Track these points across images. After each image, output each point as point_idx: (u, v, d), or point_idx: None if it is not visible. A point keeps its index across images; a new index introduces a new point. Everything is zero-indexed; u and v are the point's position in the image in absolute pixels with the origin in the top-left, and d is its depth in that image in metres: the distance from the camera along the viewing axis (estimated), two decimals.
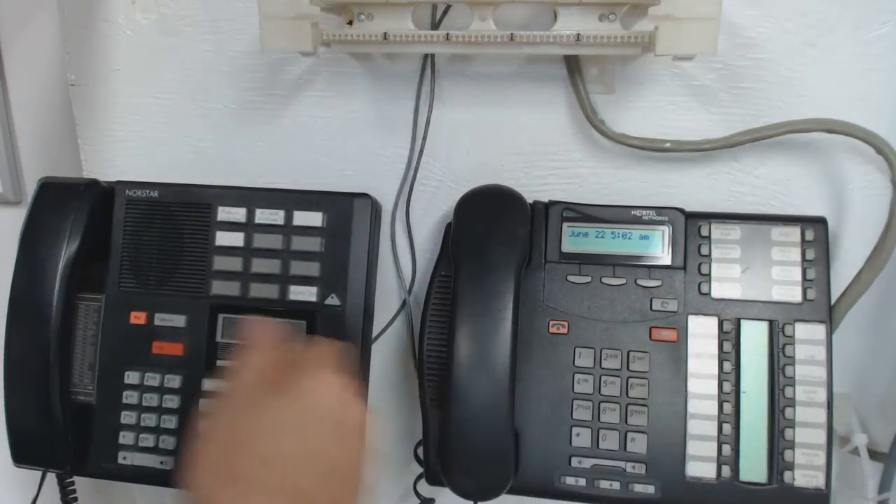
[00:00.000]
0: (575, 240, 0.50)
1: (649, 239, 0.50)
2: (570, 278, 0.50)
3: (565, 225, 0.51)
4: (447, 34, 0.47)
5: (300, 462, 0.36)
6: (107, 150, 0.61)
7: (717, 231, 0.49)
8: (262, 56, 0.57)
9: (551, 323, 0.50)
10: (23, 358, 0.50)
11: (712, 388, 0.48)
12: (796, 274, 0.48)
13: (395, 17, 0.48)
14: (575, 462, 0.48)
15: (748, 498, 0.47)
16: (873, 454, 0.51)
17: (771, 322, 0.48)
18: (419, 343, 0.51)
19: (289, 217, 0.51)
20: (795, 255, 0.48)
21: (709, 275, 0.49)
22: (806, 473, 0.46)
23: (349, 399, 0.39)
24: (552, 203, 0.51)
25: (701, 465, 0.47)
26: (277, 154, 0.58)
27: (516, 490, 0.48)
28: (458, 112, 0.55)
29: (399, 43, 0.48)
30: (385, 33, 0.47)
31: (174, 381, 0.52)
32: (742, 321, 0.48)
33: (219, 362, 0.51)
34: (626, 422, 0.48)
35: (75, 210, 0.51)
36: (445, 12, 0.52)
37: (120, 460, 0.52)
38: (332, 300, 0.51)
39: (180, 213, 0.53)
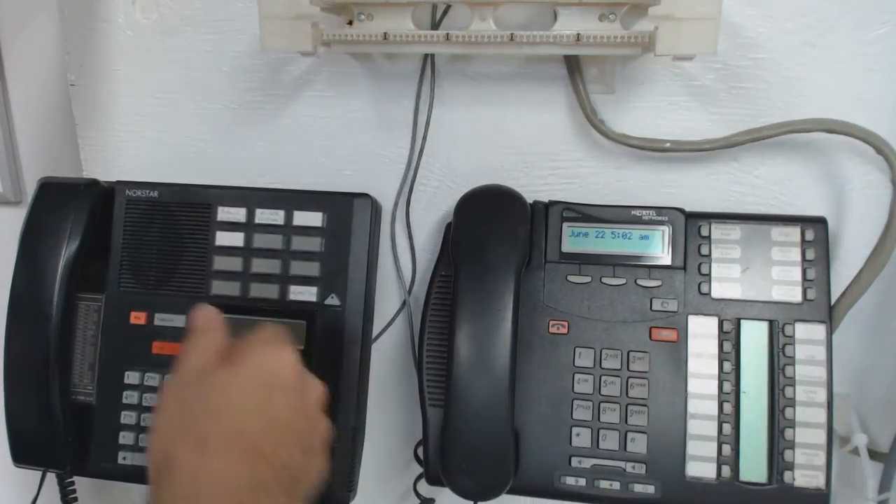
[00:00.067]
0: (575, 240, 0.50)
1: (649, 239, 0.50)
2: (570, 278, 0.50)
3: (565, 225, 0.51)
4: (447, 34, 0.47)
5: (255, 422, 0.37)
6: (107, 150, 0.61)
7: (717, 231, 0.49)
8: (262, 56, 0.57)
9: (551, 323, 0.50)
10: (23, 358, 0.50)
11: (712, 388, 0.48)
12: (796, 274, 0.48)
13: (395, 17, 0.48)
14: (575, 462, 0.48)
15: (748, 498, 0.47)
16: (873, 454, 0.51)
17: (771, 322, 0.48)
18: (419, 343, 0.51)
19: (289, 217, 0.51)
20: (795, 255, 0.48)
21: (709, 275, 0.49)
22: (806, 473, 0.46)
23: (305, 373, 0.41)
24: (552, 203, 0.51)
25: (701, 465, 0.47)
26: (277, 154, 0.58)
27: (516, 490, 0.48)
28: (458, 112, 0.55)
29: (399, 43, 0.48)
30: (385, 33, 0.47)
31: None
32: (742, 321, 0.48)
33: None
34: (626, 422, 0.48)
35: (75, 210, 0.51)
36: (445, 12, 0.52)
37: (120, 460, 0.52)
38: (332, 300, 0.51)
39: (180, 213, 0.53)
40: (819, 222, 0.49)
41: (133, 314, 0.53)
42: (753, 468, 0.47)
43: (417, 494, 0.54)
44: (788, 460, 0.47)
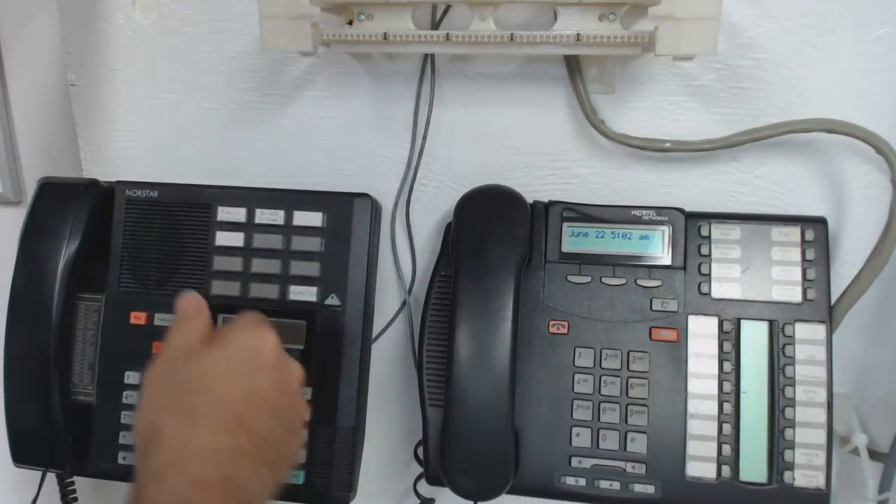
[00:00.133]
0: (575, 240, 0.50)
1: (649, 239, 0.50)
2: (570, 278, 0.50)
3: (565, 225, 0.51)
4: (447, 34, 0.47)
5: (238, 395, 0.38)
6: (107, 150, 0.61)
7: (717, 231, 0.49)
8: (262, 56, 0.57)
9: (551, 323, 0.50)
10: (23, 358, 0.50)
11: (712, 388, 0.48)
12: (796, 274, 0.48)
13: (395, 17, 0.48)
14: (575, 462, 0.48)
15: (748, 498, 0.47)
16: (873, 454, 0.51)
17: (771, 322, 0.48)
18: (419, 343, 0.51)
19: (289, 217, 0.51)
20: (795, 255, 0.48)
21: (709, 275, 0.49)
22: (806, 473, 0.46)
23: (285, 355, 0.42)
24: (552, 203, 0.51)
25: (701, 465, 0.47)
26: (277, 154, 0.58)
27: (516, 490, 0.48)
28: (458, 112, 0.55)
29: (399, 43, 0.48)
30: (385, 33, 0.47)
31: None
32: (742, 321, 0.48)
33: None
34: (626, 422, 0.48)
35: (75, 210, 0.51)
36: (445, 12, 0.52)
37: (120, 460, 0.52)
38: (332, 300, 0.51)
39: (180, 213, 0.53)
40: (819, 222, 0.49)
41: (133, 314, 0.53)
42: (753, 468, 0.47)
43: (417, 494, 0.54)
44: (788, 460, 0.47)
